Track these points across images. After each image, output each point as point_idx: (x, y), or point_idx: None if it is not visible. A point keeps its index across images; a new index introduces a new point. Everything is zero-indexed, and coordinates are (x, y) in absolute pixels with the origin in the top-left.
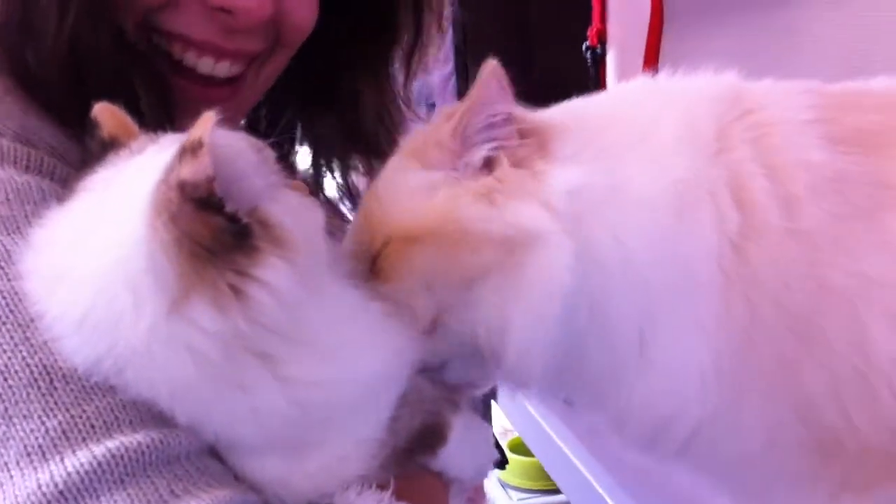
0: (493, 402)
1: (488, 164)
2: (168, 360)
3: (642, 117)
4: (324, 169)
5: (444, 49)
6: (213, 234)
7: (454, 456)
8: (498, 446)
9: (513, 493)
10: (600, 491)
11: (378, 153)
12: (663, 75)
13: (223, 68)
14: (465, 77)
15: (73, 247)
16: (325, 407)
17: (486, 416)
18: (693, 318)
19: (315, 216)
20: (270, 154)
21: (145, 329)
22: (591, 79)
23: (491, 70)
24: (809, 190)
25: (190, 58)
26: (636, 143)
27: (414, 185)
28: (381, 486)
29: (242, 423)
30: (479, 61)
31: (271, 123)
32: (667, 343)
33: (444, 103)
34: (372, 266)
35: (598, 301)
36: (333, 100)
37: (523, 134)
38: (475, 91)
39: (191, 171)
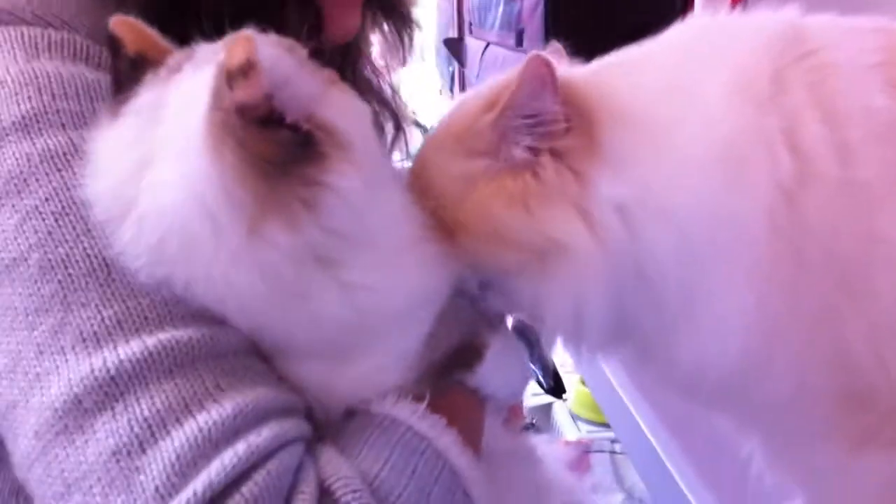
0: None
1: (528, 160)
2: (242, 279)
3: (694, 68)
4: None
5: None
6: (281, 149)
7: (490, 374)
8: (556, 377)
9: (582, 425)
10: (645, 430)
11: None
12: (722, 14)
13: None
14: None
15: (135, 179)
16: (376, 313)
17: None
18: (741, 270)
19: (363, 113)
20: (304, 52)
21: (225, 255)
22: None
23: (537, 61)
24: (868, 138)
25: None
26: (686, 105)
27: (458, 174)
28: (417, 398)
29: (299, 329)
30: None
31: None
32: (713, 297)
33: (533, 30)
34: None
35: (644, 262)
36: None
37: (572, 127)
38: (517, 84)
39: (247, 93)
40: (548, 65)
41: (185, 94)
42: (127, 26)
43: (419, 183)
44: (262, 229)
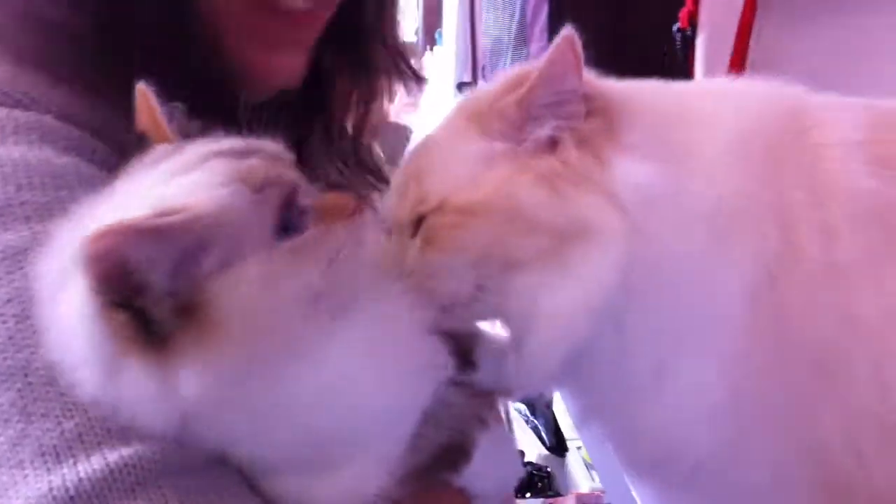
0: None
1: (552, 142)
2: (157, 411)
3: (708, 122)
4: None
5: None
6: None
7: (478, 472)
8: (559, 434)
9: (596, 475)
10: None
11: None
12: (742, 79)
13: None
14: None
15: (61, 274)
16: (340, 432)
17: (549, 401)
18: (715, 351)
19: (297, 283)
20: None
21: (97, 381)
22: (677, 62)
23: (566, 41)
24: (850, 221)
25: None
26: (696, 150)
27: (473, 154)
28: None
29: (259, 448)
30: None
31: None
32: (684, 372)
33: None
34: (414, 228)
35: (627, 312)
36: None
37: (591, 111)
38: (547, 62)
39: (91, 283)
40: (575, 47)
41: (125, 199)
42: (142, 97)
43: (423, 167)
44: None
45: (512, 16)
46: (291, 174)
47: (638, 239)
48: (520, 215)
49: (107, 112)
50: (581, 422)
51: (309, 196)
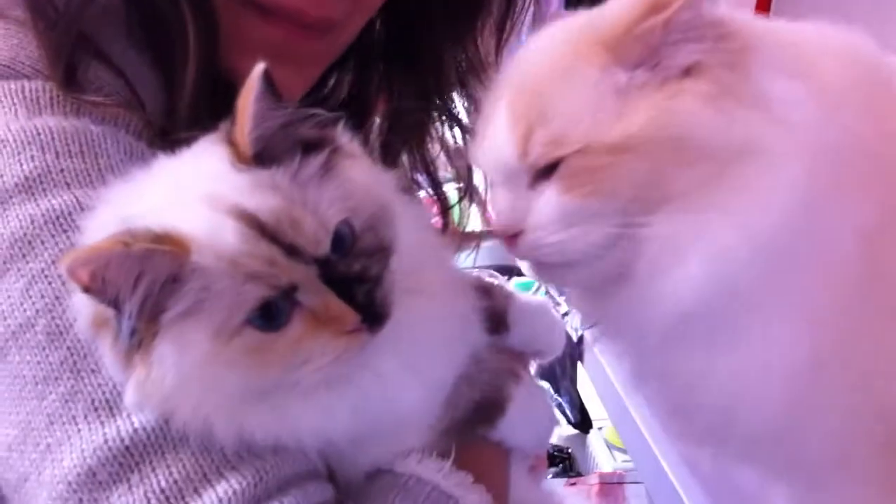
0: (579, 363)
1: (692, 67)
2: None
3: (829, 58)
4: (399, 141)
5: None
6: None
7: (513, 427)
8: (583, 411)
9: (617, 455)
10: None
11: (461, 125)
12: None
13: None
14: None
15: None
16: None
17: (573, 378)
18: (811, 303)
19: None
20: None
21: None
22: None
23: None
24: None
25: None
26: (826, 80)
27: (610, 86)
28: (442, 455)
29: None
30: None
31: (352, 93)
32: (772, 325)
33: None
34: (537, 176)
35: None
36: (415, 66)
37: (726, 35)
38: None
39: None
40: None
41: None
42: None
43: (545, 106)
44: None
45: None
46: (296, 273)
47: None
48: (683, 142)
49: (132, 88)
50: (637, 383)
51: (312, 295)
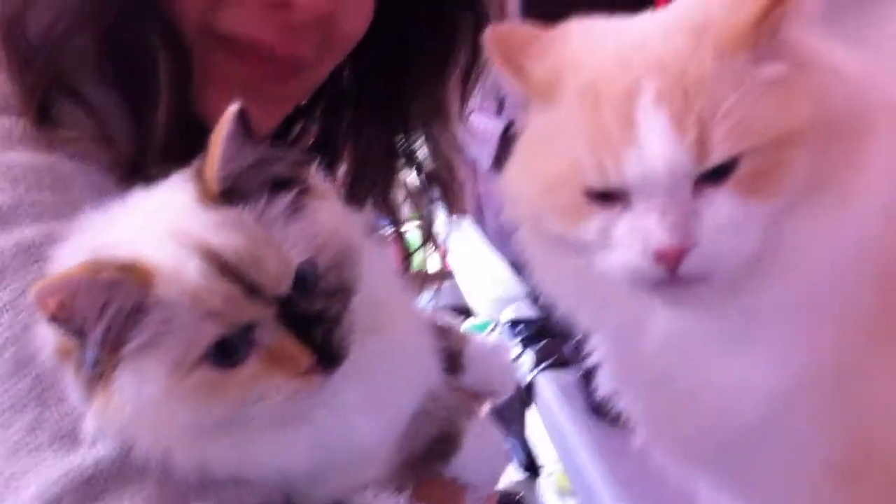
0: (530, 407)
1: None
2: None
3: None
4: (364, 188)
5: None
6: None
7: (468, 462)
8: (531, 453)
9: (568, 500)
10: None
11: (424, 175)
12: None
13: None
14: None
15: None
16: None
17: (523, 422)
18: (817, 321)
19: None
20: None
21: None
22: None
23: None
24: None
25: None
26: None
27: (764, 80)
28: (399, 489)
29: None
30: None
31: (320, 138)
32: (772, 336)
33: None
34: (699, 183)
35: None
36: (383, 115)
37: None
38: None
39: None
40: None
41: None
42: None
43: (703, 106)
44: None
45: None
46: (254, 311)
47: None
48: (833, 125)
49: (105, 125)
50: (622, 388)
51: (269, 334)
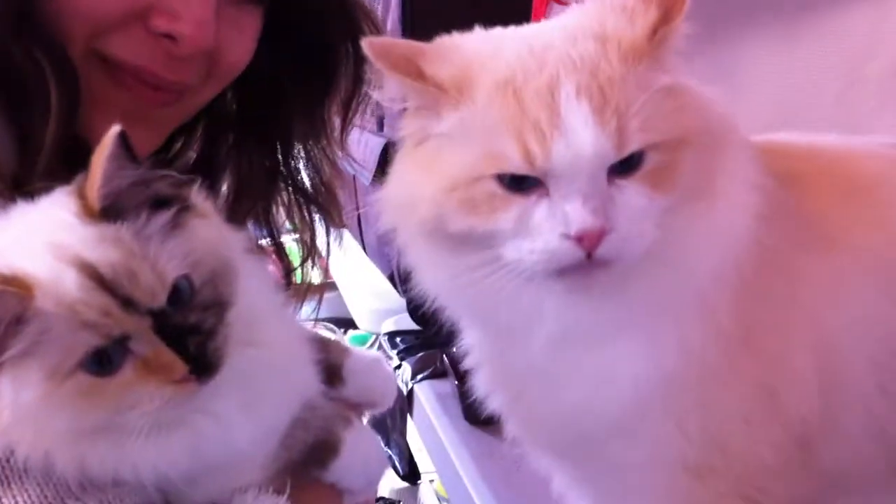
0: (409, 416)
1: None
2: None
3: None
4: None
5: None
6: None
7: (345, 469)
8: (412, 462)
9: None
10: None
11: (305, 195)
12: None
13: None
14: None
15: None
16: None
17: (403, 431)
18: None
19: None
20: None
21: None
22: None
23: None
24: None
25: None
26: None
27: (662, 85)
28: (278, 491)
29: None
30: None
31: (202, 156)
32: (642, 341)
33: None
34: (611, 173)
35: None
36: (265, 139)
37: None
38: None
39: None
40: None
41: None
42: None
43: (619, 101)
44: None
45: None
46: (129, 323)
47: None
48: (707, 134)
49: None
50: (497, 388)
51: (144, 344)
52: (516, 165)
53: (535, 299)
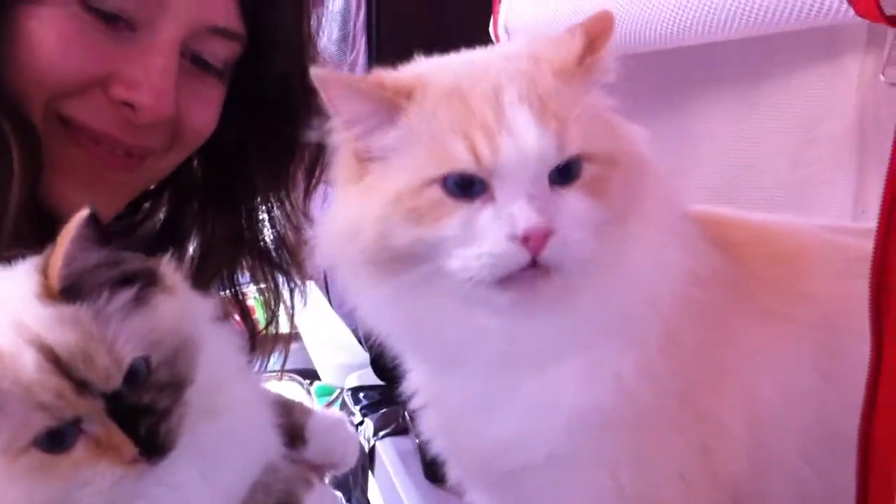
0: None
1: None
2: None
3: None
4: (210, 270)
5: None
6: None
7: None
8: None
9: None
10: None
11: (269, 261)
12: None
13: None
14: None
15: None
16: None
17: (364, 488)
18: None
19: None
20: None
21: None
22: None
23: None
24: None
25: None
26: None
27: (593, 105)
28: None
29: None
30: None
31: (169, 219)
32: (573, 373)
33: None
34: (551, 179)
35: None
36: (229, 206)
37: None
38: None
39: None
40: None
41: None
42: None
43: (559, 111)
44: None
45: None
46: (82, 406)
47: None
48: (640, 162)
49: None
50: (448, 443)
51: (96, 425)
52: (465, 163)
53: (476, 317)
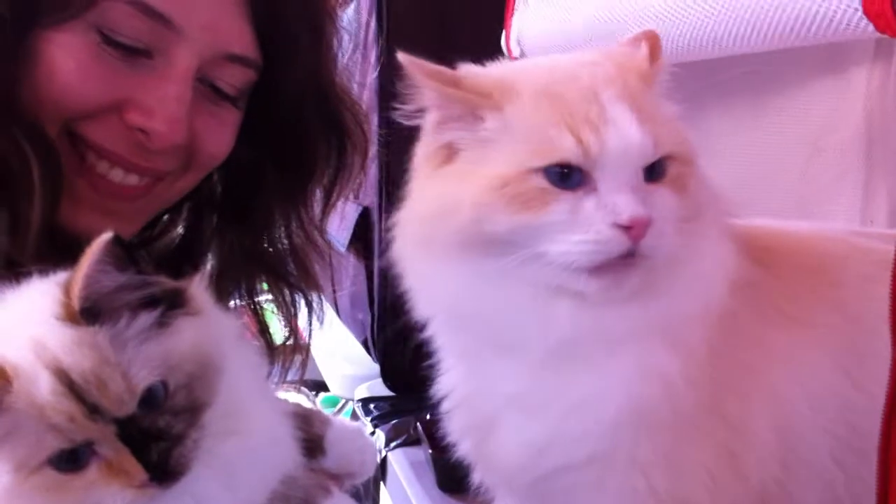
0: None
1: None
2: None
3: None
4: (228, 285)
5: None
6: None
7: None
8: None
9: None
10: None
11: (286, 280)
12: None
13: (132, 180)
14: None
15: None
16: None
17: (376, 499)
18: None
19: None
20: None
21: None
22: None
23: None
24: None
25: (102, 166)
26: None
27: (670, 110)
28: None
29: None
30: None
31: (188, 234)
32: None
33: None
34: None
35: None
36: (247, 222)
37: None
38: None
39: None
40: None
41: None
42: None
43: (654, 114)
44: None
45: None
46: (93, 431)
47: None
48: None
49: None
50: (478, 445)
51: (108, 449)
52: (572, 154)
53: (552, 304)
